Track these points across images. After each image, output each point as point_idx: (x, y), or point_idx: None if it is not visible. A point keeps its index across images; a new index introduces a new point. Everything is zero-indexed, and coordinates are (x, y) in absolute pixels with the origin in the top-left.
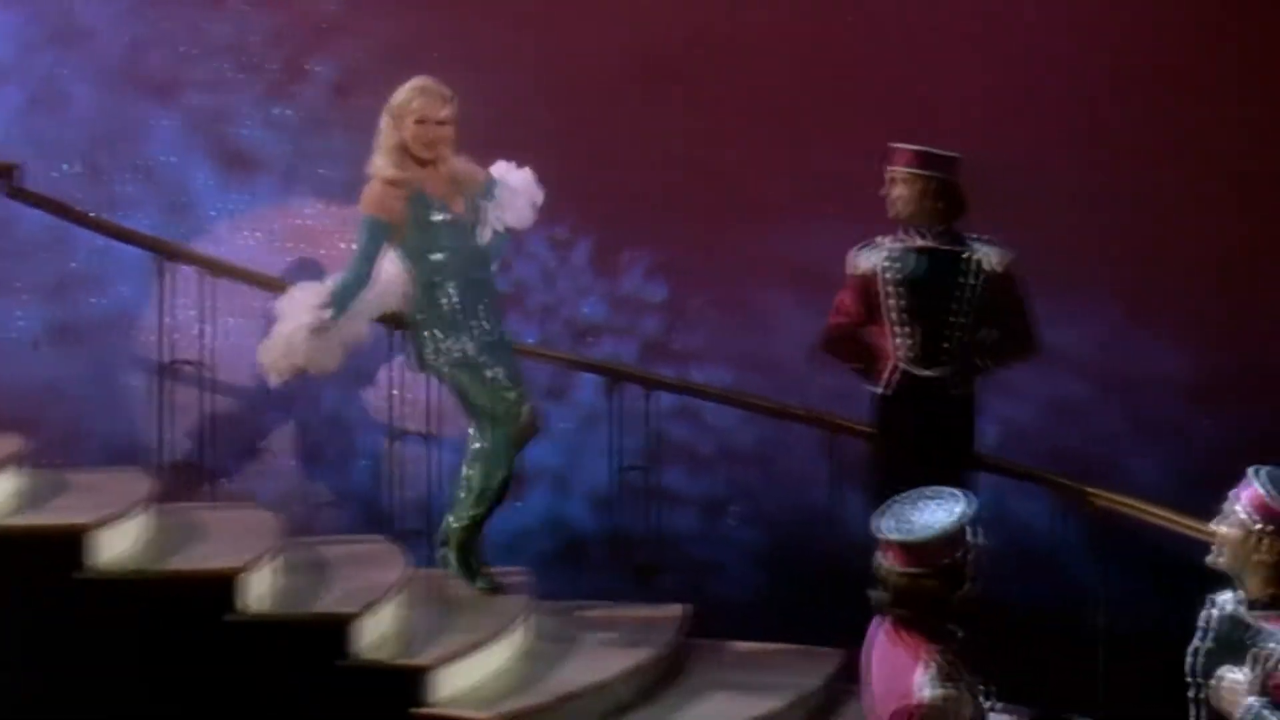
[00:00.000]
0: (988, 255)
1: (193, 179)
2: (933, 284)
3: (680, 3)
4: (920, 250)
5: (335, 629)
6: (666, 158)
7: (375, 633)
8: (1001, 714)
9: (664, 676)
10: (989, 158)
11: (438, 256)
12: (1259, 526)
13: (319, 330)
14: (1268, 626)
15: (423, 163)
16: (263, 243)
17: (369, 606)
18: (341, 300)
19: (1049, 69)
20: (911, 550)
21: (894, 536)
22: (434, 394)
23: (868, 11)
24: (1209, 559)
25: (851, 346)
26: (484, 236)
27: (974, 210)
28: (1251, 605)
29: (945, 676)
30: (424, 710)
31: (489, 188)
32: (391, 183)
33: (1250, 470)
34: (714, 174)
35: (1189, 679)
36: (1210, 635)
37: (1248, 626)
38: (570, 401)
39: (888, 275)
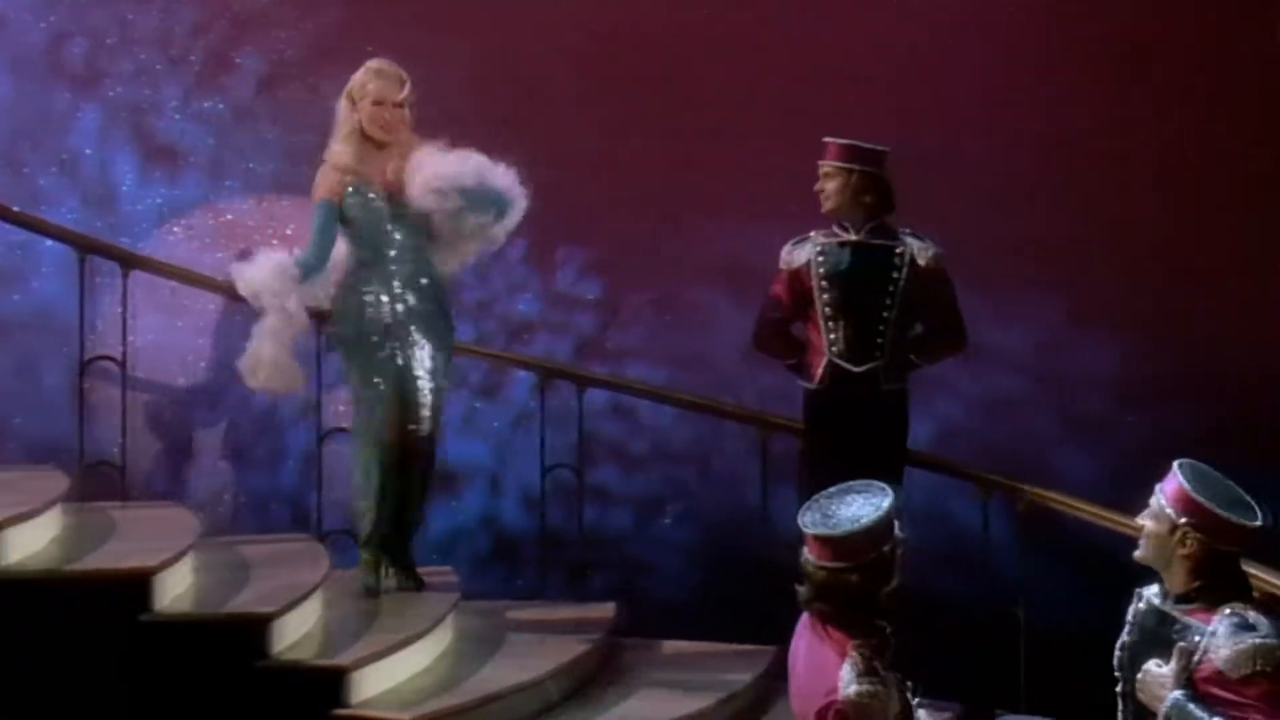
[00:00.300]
0: (917, 250)
1: (116, 173)
2: (863, 279)
3: (615, 0)
4: (850, 245)
5: (253, 629)
6: (602, 155)
7: (295, 633)
8: (926, 710)
9: (592, 676)
10: (926, 153)
11: (377, 240)
12: (1182, 520)
13: (294, 293)
14: (1191, 620)
15: (380, 145)
16: (188, 237)
17: (288, 606)
18: (304, 279)
19: (994, 65)
20: (833, 544)
21: (816, 530)
22: None
23: (799, 10)
24: (1135, 553)
25: (784, 342)
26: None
27: (911, 205)
28: (1176, 599)
29: (868, 672)
30: (344, 711)
31: None
32: (338, 168)
33: (1174, 464)
34: (650, 171)
35: (1115, 673)
36: (1136, 629)
37: (1172, 620)
38: (503, 399)
39: (818, 270)
